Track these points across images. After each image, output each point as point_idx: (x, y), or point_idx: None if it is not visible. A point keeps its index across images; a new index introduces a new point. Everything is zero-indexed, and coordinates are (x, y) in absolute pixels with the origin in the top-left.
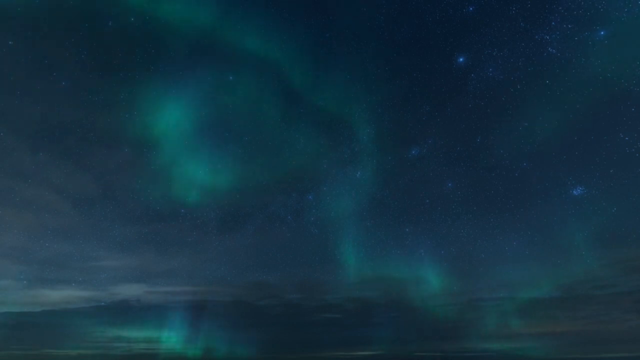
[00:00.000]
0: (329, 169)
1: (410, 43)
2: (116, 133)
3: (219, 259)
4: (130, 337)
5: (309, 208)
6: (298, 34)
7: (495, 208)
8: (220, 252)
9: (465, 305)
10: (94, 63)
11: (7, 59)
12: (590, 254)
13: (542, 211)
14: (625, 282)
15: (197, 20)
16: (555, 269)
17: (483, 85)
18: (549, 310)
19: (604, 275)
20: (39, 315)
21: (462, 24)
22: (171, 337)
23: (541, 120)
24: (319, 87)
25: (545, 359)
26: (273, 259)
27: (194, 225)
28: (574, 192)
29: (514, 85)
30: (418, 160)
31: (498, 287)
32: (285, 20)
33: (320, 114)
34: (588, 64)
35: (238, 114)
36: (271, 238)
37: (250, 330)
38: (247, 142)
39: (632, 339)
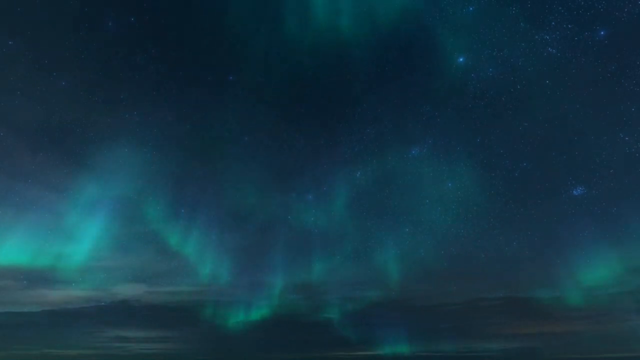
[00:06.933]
0: (329, 169)
1: (411, 43)
2: (116, 133)
3: (219, 258)
4: (130, 337)
5: (309, 208)
6: (298, 32)
7: (495, 208)
8: (220, 252)
9: (465, 305)
10: (94, 63)
11: (7, 59)
12: (590, 254)
13: (542, 211)
14: (625, 282)
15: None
16: (555, 269)
17: (483, 85)
18: (549, 310)
19: (604, 275)
20: (39, 315)
21: (462, 24)
22: (171, 337)
23: (541, 120)
24: (319, 86)
25: (545, 359)
26: (273, 259)
27: (194, 225)
28: (574, 192)
29: (514, 85)
30: (418, 160)
31: (498, 287)
32: (285, 19)
33: (321, 113)
34: (588, 64)
35: (238, 114)
36: (271, 238)
37: (250, 330)
38: (247, 142)
39: (632, 339)
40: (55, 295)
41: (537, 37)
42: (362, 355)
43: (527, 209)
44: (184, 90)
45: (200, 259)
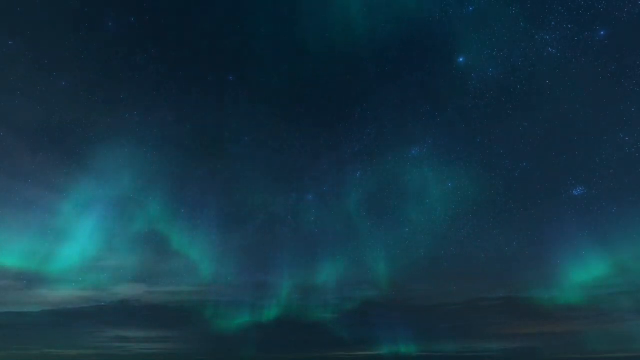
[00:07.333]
0: (329, 169)
1: (411, 43)
2: (116, 133)
3: (219, 259)
4: (130, 337)
5: (309, 208)
6: (298, 32)
7: (495, 208)
8: (220, 252)
9: (465, 305)
10: (94, 63)
11: (7, 59)
12: (590, 254)
13: (542, 211)
14: (625, 282)
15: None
16: (555, 269)
17: (483, 85)
18: (549, 310)
19: (603, 275)
20: (39, 315)
21: (462, 24)
22: (171, 337)
23: (541, 120)
24: (319, 86)
25: (545, 359)
26: (273, 259)
27: (194, 225)
28: (574, 192)
29: (514, 85)
30: (418, 160)
31: (498, 287)
32: (284, 19)
33: (321, 113)
34: (588, 64)
35: (238, 114)
36: (271, 238)
37: (250, 330)
38: (247, 142)
39: (632, 339)
40: (55, 295)
41: (537, 37)
42: (361, 356)
43: (527, 209)
44: (184, 90)
45: (200, 259)
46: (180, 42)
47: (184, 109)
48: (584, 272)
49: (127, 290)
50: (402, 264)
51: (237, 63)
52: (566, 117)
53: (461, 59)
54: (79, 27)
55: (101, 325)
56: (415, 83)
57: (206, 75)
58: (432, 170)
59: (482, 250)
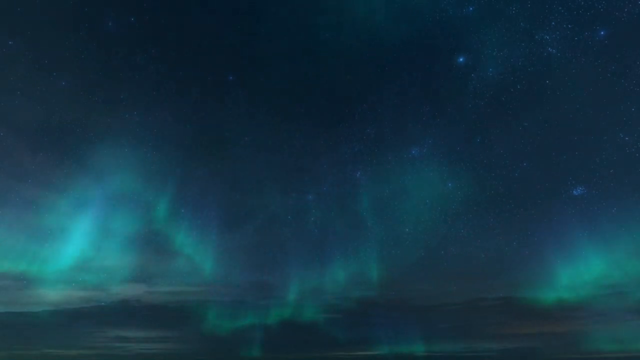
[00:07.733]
0: (329, 169)
1: (411, 43)
2: (116, 133)
3: (220, 259)
4: (130, 337)
5: (309, 208)
6: (298, 32)
7: (495, 208)
8: (220, 252)
9: (465, 305)
10: (94, 63)
11: (7, 59)
12: (590, 254)
13: (542, 211)
14: (624, 282)
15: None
16: (555, 269)
17: (483, 85)
18: (549, 310)
19: (604, 275)
20: (39, 315)
21: (462, 24)
22: (171, 337)
23: (541, 120)
24: (319, 86)
25: (545, 359)
26: (273, 259)
27: (194, 225)
28: (574, 192)
29: (514, 85)
30: (418, 160)
31: (498, 287)
32: (284, 19)
33: (321, 113)
34: (588, 64)
35: (238, 114)
36: (271, 238)
37: (250, 330)
38: (247, 142)
39: (631, 339)
40: (55, 295)
41: (537, 37)
42: (361, 356)
43: (527, 209)
44: (184, 90)
45: (201, 259)
46: (180, 42)
47: (184, 109)
48: (584, 272)
49: (127, 290)
50: (403, 264)
51: (237, 63)
52: (566, 117)
53: (461, 59)
54: (79, 27)
55: (101, 325)
56: (415, 83)
57: (206, 75)
58: (432, 170)
59: (482, 250)
